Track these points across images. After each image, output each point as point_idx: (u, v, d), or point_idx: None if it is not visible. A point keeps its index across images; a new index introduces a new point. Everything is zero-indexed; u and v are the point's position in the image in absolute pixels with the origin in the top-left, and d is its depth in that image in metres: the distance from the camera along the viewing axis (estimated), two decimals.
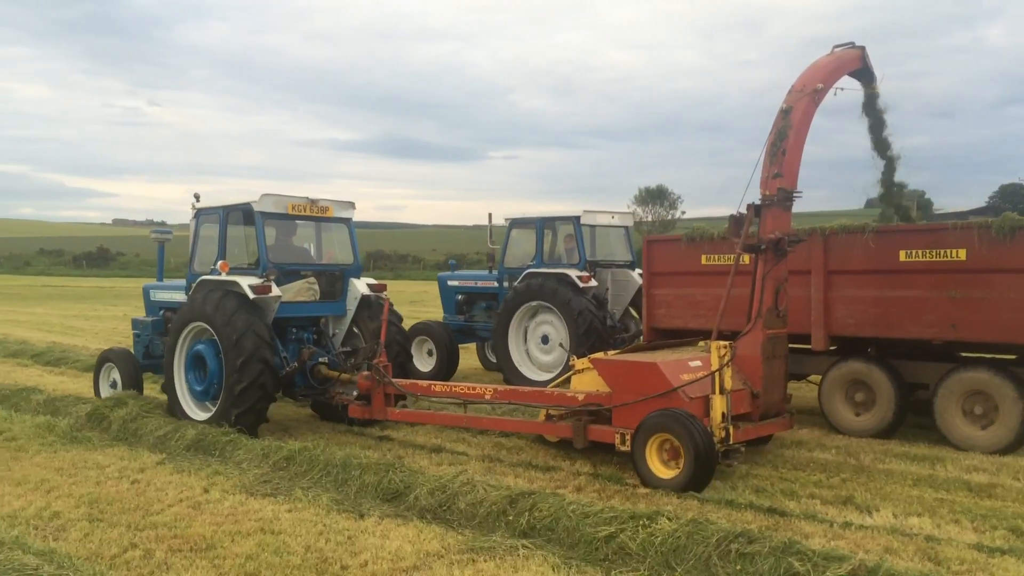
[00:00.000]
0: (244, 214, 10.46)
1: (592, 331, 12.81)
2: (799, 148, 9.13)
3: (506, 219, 14.94)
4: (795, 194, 8.99)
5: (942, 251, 9.38)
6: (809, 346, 10.31)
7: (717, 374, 7.82)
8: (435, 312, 19.70)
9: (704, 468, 7.48)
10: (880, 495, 7.44)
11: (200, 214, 10.94)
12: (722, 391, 7.83)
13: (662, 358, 8.57)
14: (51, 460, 8.83)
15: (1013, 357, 9.57)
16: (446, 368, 14.61)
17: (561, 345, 13.28)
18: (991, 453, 8.89)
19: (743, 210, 8.93)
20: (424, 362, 14.91)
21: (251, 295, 9.74)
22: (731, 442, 7.85)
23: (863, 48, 9.94)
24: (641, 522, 5.91)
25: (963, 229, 9.20)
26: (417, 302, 30.69)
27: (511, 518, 6.46)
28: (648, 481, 7.75)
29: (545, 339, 13.73)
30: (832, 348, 10.38)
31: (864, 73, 10.10)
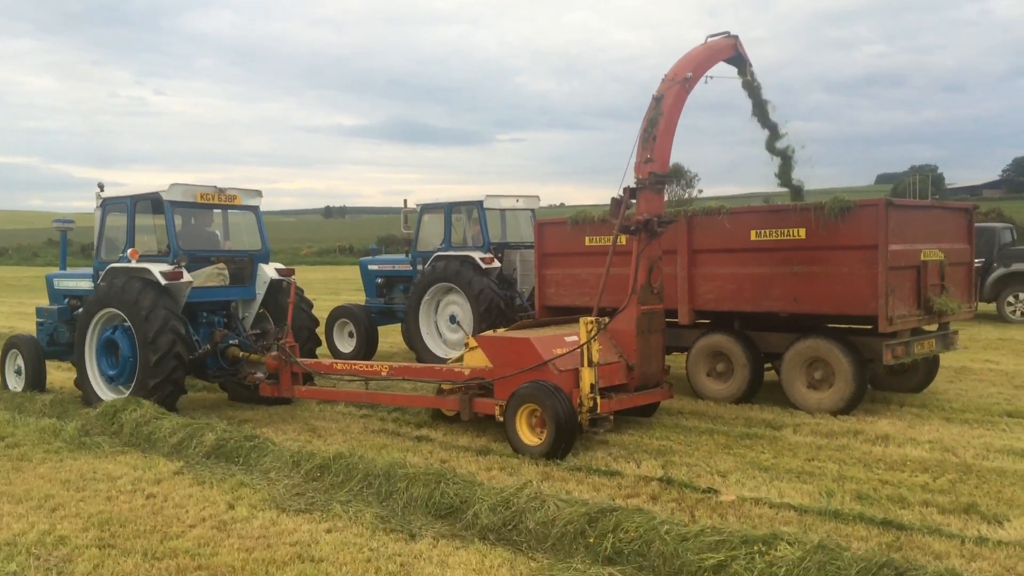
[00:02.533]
0: (153, 203, 10.64)
1: (493, 309, 13.33)
2: (670, 134, 9.46)
3: (417, 204, 15.44)
4: (666, 178, 9.45)
5: (785, 231, 9.89)
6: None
7: (585, 347, 8.17)
8: None
9: (565, 436, 7.89)
10: (1005, 501, 6.45)
11: (106, 204, 11.12)
12: (590, 363, 8.19)
13: (540, 334, 9.01)
14: (57, 471, 7.85)
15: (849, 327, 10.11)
16: (366, 349, 15.16)
17: (460, 324, 13.87)
18: (831, 414, 9.43)
19: (623, 193, 9.26)
20: (346, 343, 15.48)
21: (162, 281, 9.98)
22: (598, 412, 8.19)
23: (736, 37, 10.32)
24: (757, 548, 4.87)
25: (802, 211, 9.72)
26: None
27: (591, 540, 5.45)
28: (518, 448, 8.18)
29: (453, 318, 14.33)
30: (702, 322, 10.90)
31: (738, 60, 10.46)
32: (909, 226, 9.61)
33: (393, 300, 16.05)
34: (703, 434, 8.83)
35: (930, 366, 10.74)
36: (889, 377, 10.76)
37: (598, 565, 5.24)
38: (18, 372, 12.06)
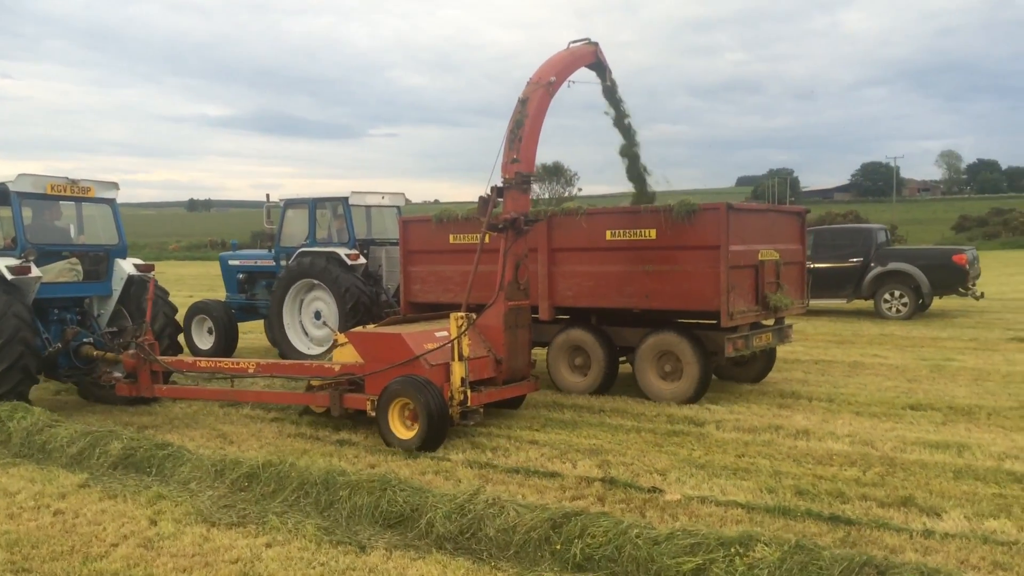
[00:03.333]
0: (0, 194, 10.06)
1: (359, 306, 13.27)
2: (535, 135, 9.72)
3: (280, 199, 15.14)
4: (532, 177, 9.68)
5: (638, 231, 10.28)
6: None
7: (455, 342, 8.38)
8: None
9: (437, 429, 8.09)
10: (936, 493, 6.66)
11: None
12: (461, 358, 8.40)
13: (411, 329, 9.13)
14: None
15: (695, 322, 10.56)
16: (225, 345, 14.83)
17: (325, 323, 13.82)
18: (679, 403, 9.88)
19: (490, 192, 9.48)
20: (204, 340, 15.09)
21: (9, 276, 9.53)
22: (469, 404, 8.43)
23: (597, 44, 10.58)
24: (734, 549, 4.81)
25: (652, 212, 10.14)
26: None
27: (558, 547, 5.23)
28: (390, 442, 8.29)
29: (318, 315, 14.23)
30: (563, 317, 11.21)
31: (598, 67, 10.74)
32: (748, 228, 10.21)
33: (255, 296, 15.73)
34: (630, 432, 8.79)
35: (768, 358, 11.46)
36: (732, 368, 11.41)
37: (568, 572, 5.06)
38: None
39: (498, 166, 9.61)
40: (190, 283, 29.86)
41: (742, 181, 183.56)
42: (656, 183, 11.48)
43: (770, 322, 11.08)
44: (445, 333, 8.70)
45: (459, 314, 8.49)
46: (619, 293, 10.46)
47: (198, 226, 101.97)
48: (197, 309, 15.26)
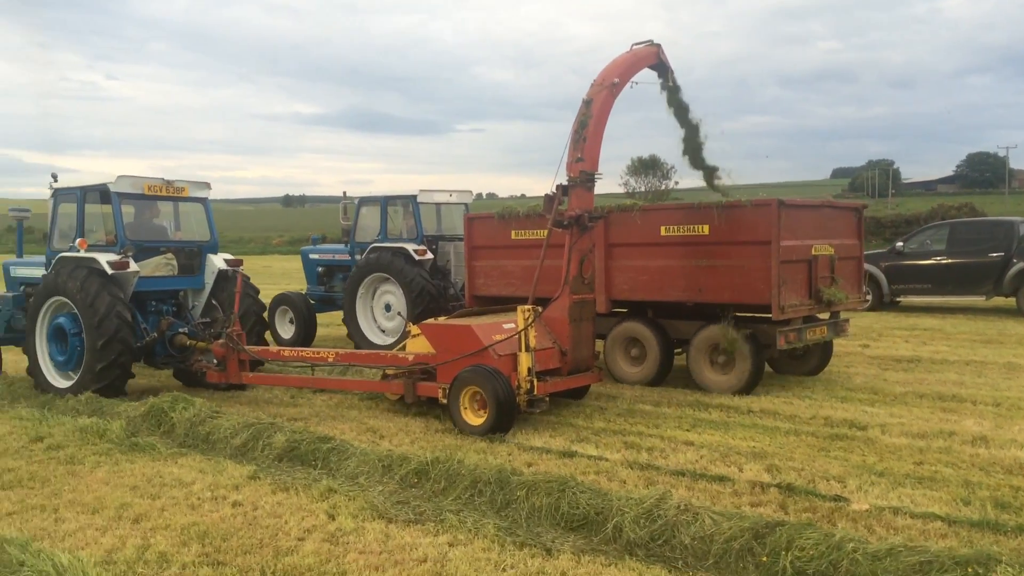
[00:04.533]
0: (101, 194, 10.77)
1: (425, 298, 13.84)
2: (599, 135, 9.93)
3: (350, 197, 16.08)
4: (596, 176, 9.87)
5: (691, 227, 10.52)
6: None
7: (522, 334, 8.68)
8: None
9: (504, 416, 8.41)
10: None
11: (58, 194, 11.22)
12: (527, 348, 8.69)
13: (480, 321, 9.51)
14: (117, 475, 7.17)
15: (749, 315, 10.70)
16: (304, 335, 15.62)
17: (400, 314, 14.39)
18: (732, 394, 10.09)
19: (555, 190, 9.73)
20: (286, 330, 15.95)
21: (109, 270, 10.16)
22: (535, 393, 8.68)
23: (659, 45, 10.72)
24: (971, 569, 4.36)
25: (705, 208, 10.34)
26: None
27: (763, 559, 4.94)
28: (461, 428, 8.63)
29: (388, 307, 14.88)
30: (621, 310, 11.53)
31: (661, 67, 10.91)
32: (801, 223, 10.34)
33: (333, 288, 16.48)
34: (788, 435, 8.36)
35: (824, 351, 11.50)
36: (788, 361, 11.60)
37: None
38: None
39: (563, 165, 9.84)
40: (297, 277, 30.45)
41: (837, 173, 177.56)
42: (725, 179, 11.52)
43: (825, 316, 11.17)
44: (512, 325, 8.99)
45: (526, 307, 8.75)
46: (672, 287, 10.73)
47: (294, 221, 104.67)
48: (280, 300, 16.13)
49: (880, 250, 20.70)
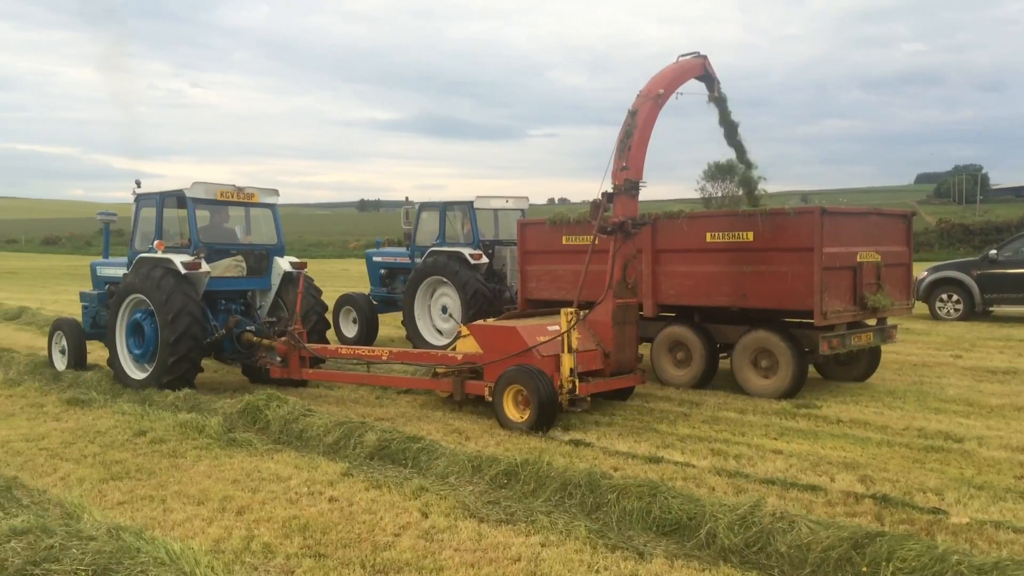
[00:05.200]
0: (178, 199, 11.42)
1: (480, 300, 14.27)
2: (643, 145, 10.12)
3: (411, 202, 16.74)
4: (640, 184, 10.05)
5: (736, 234, 10.70)
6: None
7: (565, 335, 8.92)
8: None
9: (546, 413, 8.67)
10: None
11: (140, 199, 11.89)
12: (570, 350, 8.92)
13: (525, 323, 9.83)
14: (218, 469, 7.45)
15: (792, 321, 10.84)
16: (366, 334, 16.24)
17: (451, 316, 14.83)
18: (775, 398, 10.19)
19: (601, 197, 9.99)
20: (350, 329, 16.58)
21: (183, 270, 10.76)
22: (577, 393, 8.91)
23: (705, 57, 10.89)
24: None
25: (750, 216, 10.53)
26: None
27: (864, 569, 4.88)
28: (505, 424, 8.92)
29: (444, 309, 15.32)
30: (668, 315, 11.74)
31: (707, 79, 11.05)
32: (845, 230, 10.44)
33: (395, 290, 17.09)
34: (881, 445, 8.17)
35: (872, 357, 11.52)
36: (835, 367, 11.63)
37: None
38: (63, 352, 12.79)
39: (609, 173, 10.05)
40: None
41: (921, 178, 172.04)
42: (764, 186, 11.86)
43: (872, 322, 11.18)
44: (556, 327, 9.23)
45: (569, 310, 8.97)
46: (717, 292, 10.92)
47: (369, 225, 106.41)
48: (344, 301, 16.78)
49: (971, 258, 20.03)
